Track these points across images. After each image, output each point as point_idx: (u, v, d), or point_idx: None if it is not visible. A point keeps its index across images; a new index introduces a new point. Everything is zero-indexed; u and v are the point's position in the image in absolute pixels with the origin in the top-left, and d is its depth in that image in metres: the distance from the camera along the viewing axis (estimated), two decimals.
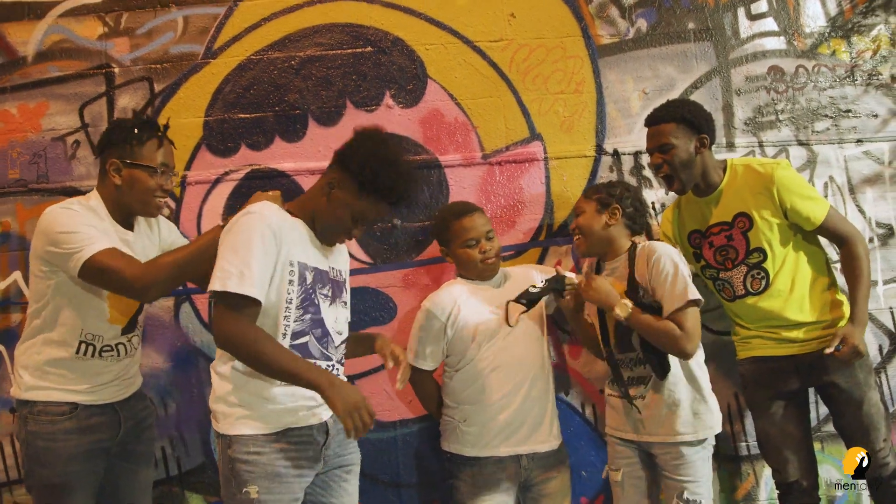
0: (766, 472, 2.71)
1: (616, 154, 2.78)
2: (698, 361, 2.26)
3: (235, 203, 2.67)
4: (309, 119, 2.71)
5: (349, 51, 2.73)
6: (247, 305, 1.72)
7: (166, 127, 2.10)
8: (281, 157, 2.70)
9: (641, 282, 2.21)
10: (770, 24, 2.85)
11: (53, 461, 1.97)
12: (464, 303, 2.28)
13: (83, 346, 2.02)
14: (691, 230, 2.47)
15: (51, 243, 1.91)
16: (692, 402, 2.20)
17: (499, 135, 2.75)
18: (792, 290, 2.33)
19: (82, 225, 1.93)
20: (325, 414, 1.88)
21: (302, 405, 1.83)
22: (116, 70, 2.69)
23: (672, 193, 2.76)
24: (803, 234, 2.34)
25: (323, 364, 1.87)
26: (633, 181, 2.77)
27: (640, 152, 2.78)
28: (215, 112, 2.69)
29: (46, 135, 2.67)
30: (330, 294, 1.93)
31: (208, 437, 2.64)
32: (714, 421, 2.23)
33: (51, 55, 2.68)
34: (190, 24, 2.71)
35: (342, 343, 1.97)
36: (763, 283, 2.35)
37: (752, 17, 2.85)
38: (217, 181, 2.68)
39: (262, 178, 2.68)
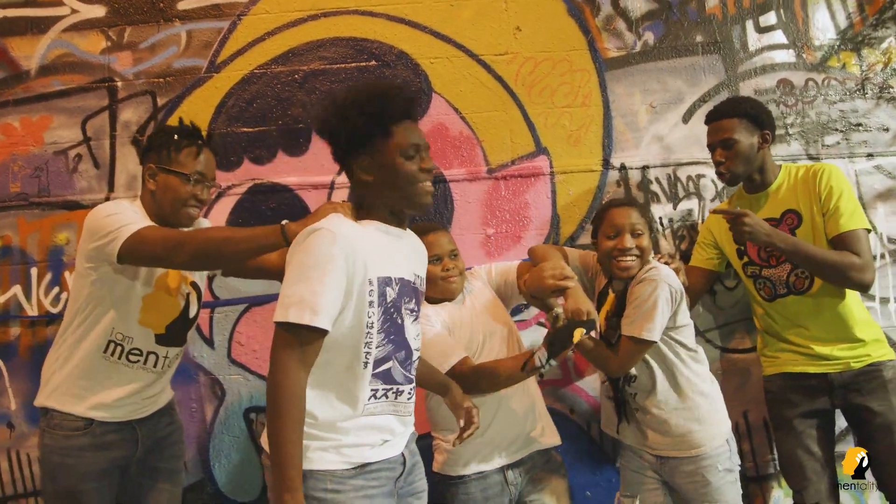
0: (776, 494, 2.66)
1: (623, 168, 2.74)
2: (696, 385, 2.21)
3: (238, 218, 2.65)
4: (312, 133, 2.68)
5: (353, 65, 2.70)
6: (309, 339, 1.54)
7: (210, 136, 2.08)
8: (284, 171, 2.67)
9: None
10: (779, 36, 2.82)
11: (66, 477, 1.94)
12: (434, 316, 2.19)
13: (112, 345, 1.99)
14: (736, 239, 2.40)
15: (93, 232, 1.89)
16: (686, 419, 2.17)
17: (504, 149, 2.72)
18: (834, 296, 2.28)
19: (126, 210, 1.93)
20: (402, 445, 1.74)
21: (378, 438, 1.67)
22: (119, 84, 2.68)
23: (679, 209, 2.74)
24: None
25: (406, 388, 1.71)
26: (640, 196, 2.73)
27: (648, 167, 2.74)
28: (218, 126, 2.67)
29: (48, 148, 2.66)
30: (415, 307, 1.75)
31: (208, 455, 2.61)
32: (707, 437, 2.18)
33: (54, 69, 2.67)
34: (193, 38, 2.70)
35: (418, 358, 1.80)
36: (807, 282, 2.31)
37: (761, 30, 2.81)
38: (220, 195, 2.65)
39: (265, 192, 2.65)
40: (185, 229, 1.99)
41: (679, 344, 2.19)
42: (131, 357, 2.02)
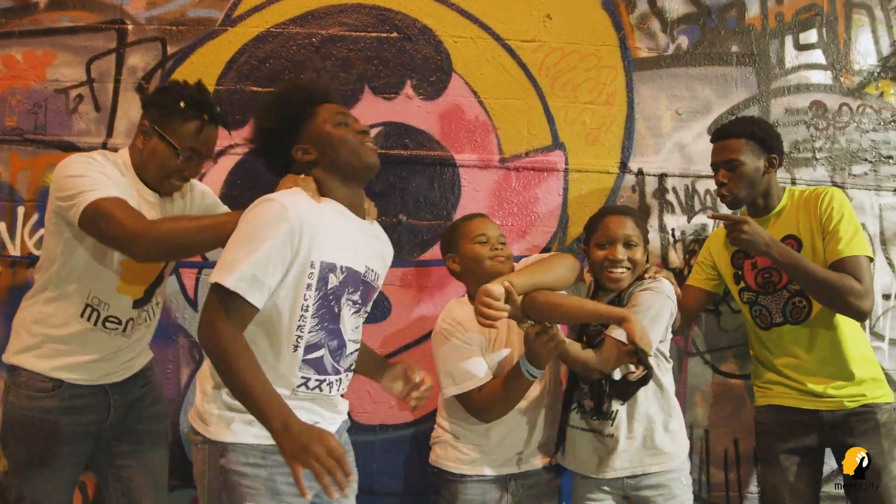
0: None
1: (641, 174, 2.64)
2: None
3: (237, 179, 2.55)
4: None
5: (373, 34, 2.60)
6: (241, 308, 1.50)
7: (220, 115, 1.94)
8: None
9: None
10: (818, 56, 2.71)
11: (27, 439, 1.85)
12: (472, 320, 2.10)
13: (88, 309, 1.88)
14: (737, 249, 2.29)
15: (58, 189, 1.76)
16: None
17: (520, 139, 2.61)
18: (831, 329, 2.18)
19: (94, 172, 1.76)
20: (331, 428, 1.69)
21: (306, 417, 1.59)
22: (130, 27, 2.57)
23: (693, 222, 2.64)
24: None
25: (334, 380, 1.68)
26: (655, 205, 2.63)
27: (666, 175, 2.64)
28: (227, 82, 2.57)
29: (49, 85, 2.55)
30: (359, 301, 1.72)
31: (178, 419, 2.52)
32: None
33: (63, 4, 2.56)
34: None
35: (354, 352, 1.76)
36: (804, 312, 2.20)
37: (800, 48, 2.70)
38: (220, 154, 2.55)
39: None
40: (148, 218, 1.79)
41: (661, 355, 2.09)
42: (108, 325, 1.91)
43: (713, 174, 2.29)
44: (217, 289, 1.50)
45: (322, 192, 1.68)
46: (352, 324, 1.71)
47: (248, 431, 1.56)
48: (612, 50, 2.64)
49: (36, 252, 2.51)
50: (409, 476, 2.54)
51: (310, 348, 1.61)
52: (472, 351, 2.04)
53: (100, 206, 1.69)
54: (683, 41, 2.67)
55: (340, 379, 1.71)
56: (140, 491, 2.03)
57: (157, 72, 2.56)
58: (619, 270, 2.04)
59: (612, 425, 2.04)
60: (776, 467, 2.24)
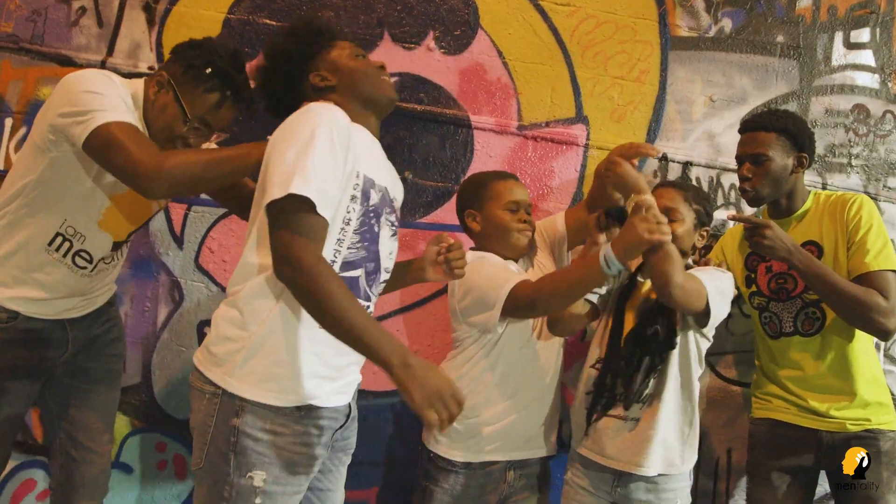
0: None
1: (665, 159, 2.49)
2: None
3: (238, 115, 2.39)
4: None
5: None
6: (317, 222, 1.34)
7: (246, 95, 1.78)
8: None
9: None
10: (867, 57, 2.55)
11: None
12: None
13: (59, 238, 1.71)
14: (752, 251, 2.14)
15: (67, 102, 1.58)
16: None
17: (542, 107, 2.46)
18: (843, 345, 2.03)
19: (112, 93, 1.60)
20: (350, 395, 1.57)
21: (340, 382, 1.50)
22: None
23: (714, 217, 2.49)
24: None
25: (363, 303, 1.52)
26: None
27: (692, 164, 2.50)
28: (240, 11, 2.42)
29: None
30: (395, 223, 1.61)
31: (150, 360, 2.40)
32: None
33: None
34: None
35: (385, 280, 1.63)
36: (817, 325, 2.06)
37: (850, 46, 2.54)
38: None
39: None
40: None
41: (700, 353, 1.95)
42: (77, 260, 1.75)
43: (737, 167, 2.14)
44: (288, 205, 1.32)
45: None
46: (388, 248, 1.57)
47: (270, 391, 1.40)
48: (650, 24, 2.48)
49: None
50: (392, 450, 2.42)
51: (346, 266, 1.46)
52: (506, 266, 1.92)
53: (111, 131, 1.53)
54: (727, 24, 2.51)
55: (370, 307, 1.55)
56: (87, 432, 1.91)
57: None
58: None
59: (639, 409, 1.90)
60: (766, 485, 2.10)
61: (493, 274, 1.86)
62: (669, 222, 1.78)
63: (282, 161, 1.35)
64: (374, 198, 1.49)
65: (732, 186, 2.50)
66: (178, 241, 2.41)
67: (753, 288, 2.18)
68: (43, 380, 1.83)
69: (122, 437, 2.39)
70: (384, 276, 1.59)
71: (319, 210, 1.34)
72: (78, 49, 2.40)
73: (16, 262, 1.71)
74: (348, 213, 1.44)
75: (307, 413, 1.44)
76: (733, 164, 2.48)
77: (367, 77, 1.60)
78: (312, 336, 1.43)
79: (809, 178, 2.53)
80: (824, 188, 2.52)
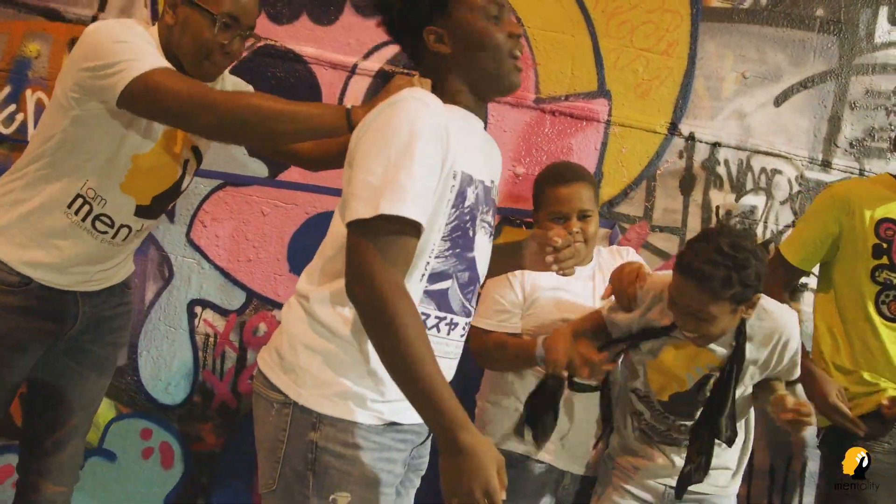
0: None
1: (692, 139, 2.35)
2: None
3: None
4: (346, 2, 2.27)
5: None
6: (406, 245, 1.18)
7: None
8: (303, 38, 2.26)
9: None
10: None
11: None
12: (539, 279, 1.87)
13: (79, 200, 1.61)
14: (884, 218, 1.96)
15: (95, 56, 1.49)
16: None
17: (561, 80, 2.31)
18: None
19: (139, 39, 1.52)
20: None
21: None
22: None
23: (742, 202, 2.35)
24: None
25: (462, 321, 1.35)
26: (702, 174, 2.34)
27: (720, 144, 2.36)
28: None
29: None
30: (491, 222, 1.41)
31: (137, 340, 2.26)
32: None
33: None
34: None
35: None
36: None
37: (895, 22, 2.38)
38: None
39: (274, 56, 2.24)
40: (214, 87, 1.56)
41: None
42: (98, 224, 1.64)
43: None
44: (376, 225, 1.15)
45: (445, 94, 1.32)
46: (485, 250, 1.39)
47: (352, 406, 1.24)
48: None
49: (3, 131, 2.23)
50: None
51: (435, 277, 1.29)
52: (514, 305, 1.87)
53: (151, 76, 1.45)
54: None
55: (467, 323, 1.37)
56: (67, 413, 1.79)
57: None
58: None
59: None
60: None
61: (484, 303, 1.86)
62: (699, 321, 1.60)
63: (368, 171, 1.18)
64: (471, 197, 1.29)
65: (763, 170, 2.36)
66: (170, 213, 2.26)
67: (884, 260, 1.97)
68: (42, 352, 1.71)
69: (106, 423, 2.27)
70: (481, 284, 1.42)
71: (410, 214, 1.16)
72: (68, 3, 2.24)
73: (33, 224, 1.62)
74: (440, 218, 1.26)
75: (390, 427, 1.28)
76: (765, 146, 2.34)
77: (496, 54, 1.33)
78: None
79: (845, 163, 2.38)
80: (862, 174, 2.37)
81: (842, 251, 2.01)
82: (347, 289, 1.17)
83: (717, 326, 1.59)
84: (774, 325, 1.70)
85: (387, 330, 1.13)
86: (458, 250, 1.30)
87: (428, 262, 1.27)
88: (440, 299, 1.29)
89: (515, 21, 1.38)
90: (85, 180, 1.61)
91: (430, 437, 1.41)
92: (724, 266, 1.51)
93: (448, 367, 1.35)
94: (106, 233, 1.66)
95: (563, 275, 1.56)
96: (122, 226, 1.68)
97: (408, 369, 1.13)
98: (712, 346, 1.68)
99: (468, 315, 1.36)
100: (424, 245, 1.24)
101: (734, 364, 1.66)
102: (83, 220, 1.63)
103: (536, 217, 1.93)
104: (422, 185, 1.18)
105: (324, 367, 1.24)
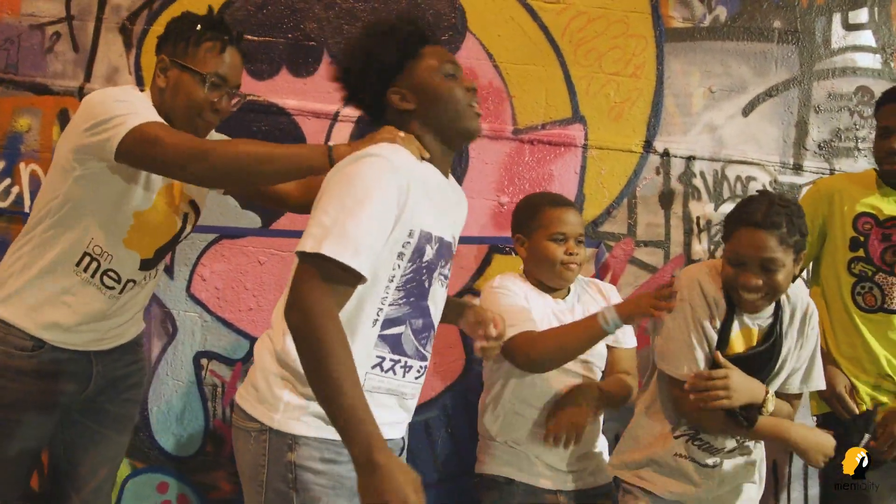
0: None
1: (666, 155, 2.42)
2: None
3: (221, 134, 2.32)
4: (324, 54, 2.35)
5: None
6: (344, 281, 1.26)
7: (239, 34, 1.74)
8: (284, 91, 2.34)
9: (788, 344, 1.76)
10: (867, 38, 2.50)
11: None
12: (533, 301, 1.88)
13: (87, 258, 1.66)
14: (862, 212, 2.04)
15: (91, 117, 1.57)
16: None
17: (536, 109, 2.39)
18: None
19: (135, 100, 1.62)
20: (403, 429, 1.49)
21: (393, 418, 1.42)
22: None
23: (721, 210, 2.42)
24: None
25: (416, 364, 1.44)
26: (680, 188, 2.42)
27: (694, 158, 2.43)
28: None
29: (24, 20, 2.31)
30: (447, 274, 1.50)
31: (146, 396, 2.30)
32: None
33: None
34: None
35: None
36: None
37: (849, 27, 2.49)
38: None
39: (258, 111, 2.32)
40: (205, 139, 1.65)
41: None
42: (106, 280, 1.69)
43: (883, 138, 2.04)
44: (315, 259, 1.24)
45: None
46: (440, 300, 1.48)
47: (324, 425, 1.29)
48: (643, 17, 2.41)
49: (1, 204, 2.29)
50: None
51: (388, 323, 1.38)
52: (520, 305, 1.85)
53: (146, 129, 1.52)
54: (721, 13, 2.45)
55: (424, 366, 1.46)
56: (90, 472, 1.82)
57: (143, 12, 2.32)
58: (753, 295, 1.67)
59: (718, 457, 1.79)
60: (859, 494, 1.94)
61: (507, 311, 1.77)
62: (768, 272, 1.64)
63: (325, 211, 1.27)
64: (429, 253, 1.39)
65: (738, 178, 2.44)
66: (169, 270, 2.32)
67: (860, 253, 2.05)
68: (59, 415, 1.75)
69: (122, 480, 2.29)
70: (435, 332, 1.49)
71: (362, 270, 1.25)
72: (54, 76, 2.32)
73: (45, 285, 1.67)
74: (393, 270, 1.35)
75: None
76: (738, 156, 2.42)
77: (454, 106, 1.44)
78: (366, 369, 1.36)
79: (816, 164, 2.47)
80: (832, 174, 2.45)
81: (826, 244, 2.11)
82: (285, 314, 1.25)
83: (783, 275, 1.64)
84: (797, 294, 1.77)
85: (313, 352, 1.20)
86: (412, 299, 1.39)
87: (381, 309, 1.36)
88: (394, 343, 1.38)
89: (469, 79, 1.49)
90: (90, 238, 1.67)
91: (404, 449, 1.51)
92: (785, 214, 1.62)
93: (406, 408, 1.45)
94: (113, 288, 1.71)
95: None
96: (128, 280, 1.73)
97: (328, 389, 1.19)
98: (758, 320, 1.73)
99: (423, 359, 1.44)
100: (376, 293, 1.34)
101: (778, 325, 1.73)
102: (92, 276, 1.68)
103: (532, 237, 1.92)
104: (369, 238, 1.25)
105: (294, 392, 1.32)
